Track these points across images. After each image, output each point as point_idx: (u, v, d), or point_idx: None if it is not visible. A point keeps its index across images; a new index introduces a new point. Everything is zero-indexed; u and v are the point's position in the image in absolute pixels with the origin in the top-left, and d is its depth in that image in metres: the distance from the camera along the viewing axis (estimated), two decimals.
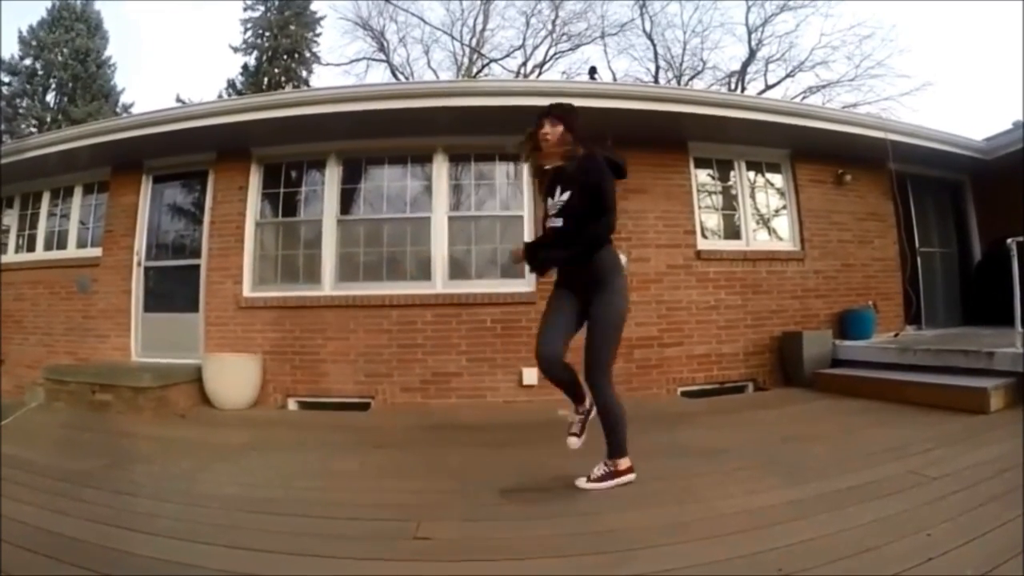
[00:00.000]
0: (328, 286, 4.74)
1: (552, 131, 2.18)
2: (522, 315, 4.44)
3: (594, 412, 2.24)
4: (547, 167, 2.25)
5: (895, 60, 24.34)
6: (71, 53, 17.79)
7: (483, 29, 18.75)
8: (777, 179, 5.36)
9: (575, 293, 2.20)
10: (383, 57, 19.36)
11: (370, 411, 4.35)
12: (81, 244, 5.56)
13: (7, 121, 16.68)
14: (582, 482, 2.16)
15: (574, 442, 2.23)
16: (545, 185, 2.26)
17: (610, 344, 2.15)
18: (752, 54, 17.67)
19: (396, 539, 1.76)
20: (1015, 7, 13.81)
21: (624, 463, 2.18)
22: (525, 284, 4.56)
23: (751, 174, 5.30)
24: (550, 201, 2.21)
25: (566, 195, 2.14)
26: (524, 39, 18.83)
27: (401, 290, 4.63)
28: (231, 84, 18.89)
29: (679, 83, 17.63)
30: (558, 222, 2.16)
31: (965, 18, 24.65)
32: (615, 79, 16.79)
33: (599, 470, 2.18)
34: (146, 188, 5.27)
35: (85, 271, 5.27)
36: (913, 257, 5.58)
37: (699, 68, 18.22)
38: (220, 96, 17.37)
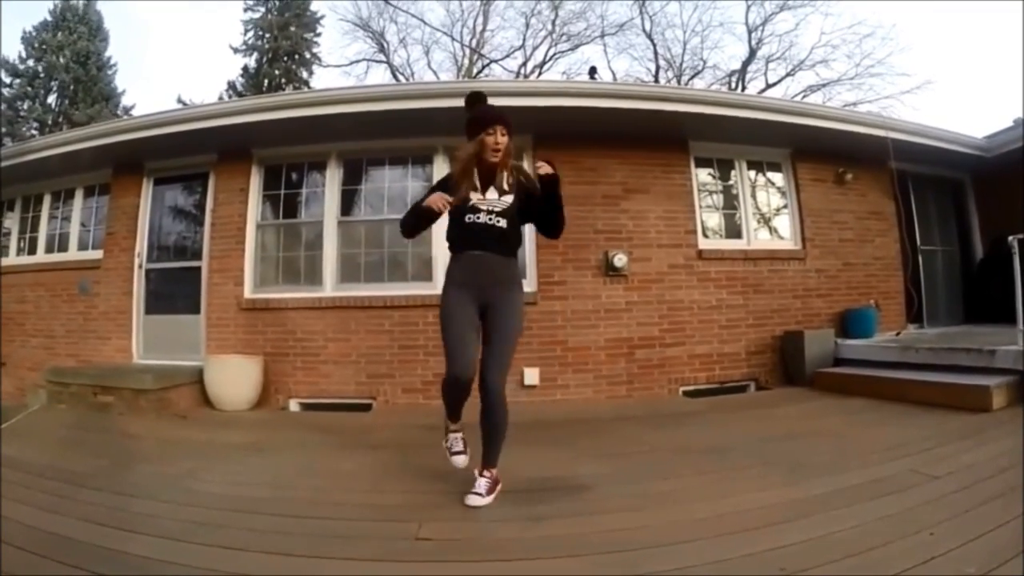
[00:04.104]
0: (329, 287, 4.74)
1: (504, 142, 2.08)
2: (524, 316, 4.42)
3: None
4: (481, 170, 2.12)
5: (895, 59, 24.35)
6: (73, 56, 17.84)
7: (483, 30, 18.81)
8: (778, 178, 5.35)
9: (474, 292, 2.11)
10: (383, 58, 19.43)
11: (372, 412, 4.35)
12: (82, 246, 5.57)
13: (8, 124, 16.72)
14: (477, 500, 2.00)
15: (465, 460, 2.27)
16: (468, 178, 2.12)
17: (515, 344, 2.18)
18: (752, 53, 17.70)
19: (398, 540, 1.76)
20: (1015, 6, 13.79)
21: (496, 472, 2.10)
22: (527, 285, 4.54)
23: (752, 173, 5.29)
24: (478, 196, 2.10)
25: (508, 199, 2.12)
26: (524, 39, 18.90)
27: (402, 291, 4.62)
28: (231, 86, 18.94)
29: (679, 82, 17.63)
30: (502, 222, 2.11)
31: (965, 16, 24.62)
32: (615, 79, 16.82)
33: (486, 485, 2.04)
34: (147, 190, 5.28)
35: (86, 273, 5.28)
36: (914, 255, 5.56)
37: (699, 67, 18.27)
38: (221, 98, 17.42)
